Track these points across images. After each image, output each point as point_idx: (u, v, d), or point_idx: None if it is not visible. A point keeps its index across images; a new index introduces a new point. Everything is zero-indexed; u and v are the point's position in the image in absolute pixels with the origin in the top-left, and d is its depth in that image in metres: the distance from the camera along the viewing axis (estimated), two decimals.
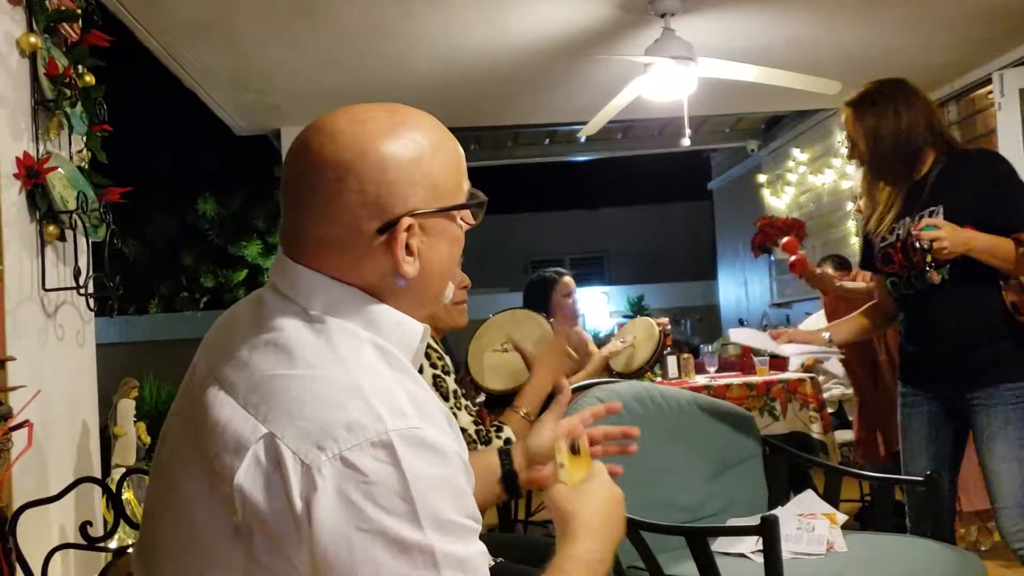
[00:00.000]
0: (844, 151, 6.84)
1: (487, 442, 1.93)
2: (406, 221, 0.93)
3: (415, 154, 0.95)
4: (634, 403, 2.35)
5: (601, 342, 4.01)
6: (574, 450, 1.15)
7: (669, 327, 3.59)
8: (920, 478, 2.20)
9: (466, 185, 1.02)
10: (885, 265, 2.43)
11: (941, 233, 2.14)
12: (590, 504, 1.06)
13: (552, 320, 2.66)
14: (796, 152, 6.88)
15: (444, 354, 2.01)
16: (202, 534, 0.90)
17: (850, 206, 6.16)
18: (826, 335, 2.56)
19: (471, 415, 1.96)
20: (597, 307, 11.01)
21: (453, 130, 1.05)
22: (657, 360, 3.75)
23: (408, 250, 0.94)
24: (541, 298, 3.80)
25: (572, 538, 1.02)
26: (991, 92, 4.71)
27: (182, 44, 4.10)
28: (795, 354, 2.50)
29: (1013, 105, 4.45)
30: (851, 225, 6.17)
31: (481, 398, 2.60)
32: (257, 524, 0.86)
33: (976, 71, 5.24)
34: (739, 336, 2.81)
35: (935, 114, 2.40)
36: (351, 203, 0.92)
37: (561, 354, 2.21)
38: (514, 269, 13.72)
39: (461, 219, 1.02)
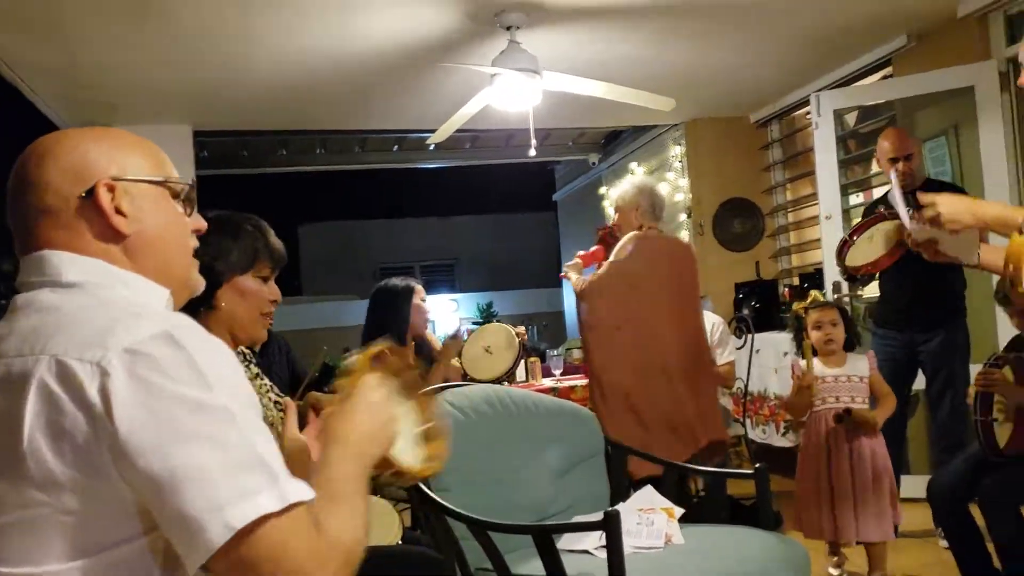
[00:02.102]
0: (678, 165, 7.10)
1: None
2: (105, 183, 1.06)
3: (108, 138, 1.11)
4: (484, 405, 2.40)
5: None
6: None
7: (526, 337, 3.66)
8: (750, 471, 2.34)
9: (175, 174, 1.15)
10: None
11: (945, 211, 2.04)
12: (346, 417, 1.15)
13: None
14: (634, 166, 7.16)
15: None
16: None
17: (683, 217, 6.48)
18: (975, 254, 2.34)
19: None
20: (447, 314, 11.05)
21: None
22: (515, 369, 3.82)
23: (119, 212, 1.06)
24: (395, 306, 3.75)
25: (325, 451, 1.12)
26: (809, 112, 5.07)
27: (2, 36, 3.82)
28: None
29: (828, 125, 4.80)
30: (684, 235, 6.48)
31: None
32: (54, 455, 0.88)
33: (797, 92, 5.64)
34: (894, 198, 2.75)
35: None
36: (55, 179, 1.05)
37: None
38: (363, 276, 13.59)
39: (182, 207, 1.15)
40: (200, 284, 1.19)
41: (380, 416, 1.18)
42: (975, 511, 2.71)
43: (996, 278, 2.74)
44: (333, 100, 5.20)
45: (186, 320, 0.96)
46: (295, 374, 4.03)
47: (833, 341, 3.14)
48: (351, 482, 1.06)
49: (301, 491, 0.92)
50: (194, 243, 1.17)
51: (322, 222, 14.12)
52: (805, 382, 3.09)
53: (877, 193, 4.57)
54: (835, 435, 3.10)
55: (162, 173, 1.13)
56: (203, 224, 1.19)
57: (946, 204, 2.07)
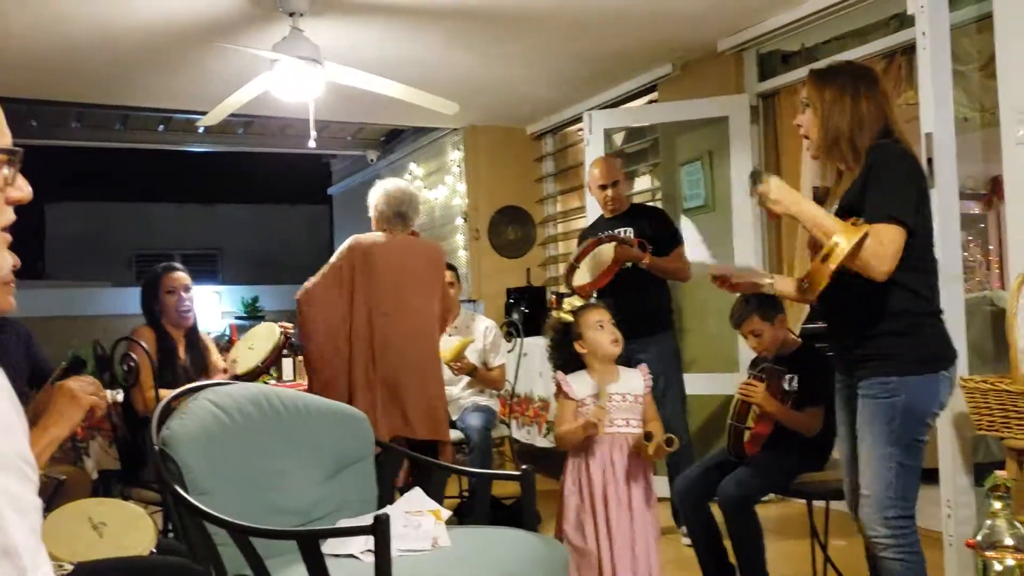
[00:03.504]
0: (456, 170, 7.26)
1: None
2: None
3: None
4: (249, 406, 2.29)
5: (222, 347, 3.89)
6: None
7: (292, 331, 3.54)
8: (517, 472, 2.40)
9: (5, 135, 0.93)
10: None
11: (773, 191, 2.16)
12: None
13: None
14: (413, 166, 7.18)
15: None
16: None
17: (460, 220, 6.58)
18: (770, 281, 2.43)
19: None
20: (210, 307, 10.47)
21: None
22: (274, 362, 3.69)
23: None
24: (146, 296, 3.60)
25: None
26: (581, 129, 5.32)
27: None
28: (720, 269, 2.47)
29: (598, 143, 5.05)
30: (460, 239, 6.58)
31: None
32: None
33: (571, 108, 5.90)
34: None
35: (893, 113, 2.25)
36: None
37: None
38: (119, 263, 12.66)
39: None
40: (4, 267, 0.95)
41: None
42: (716, 511, 2.95)
43: (734, 299, 3.06)
44: (94, 71, 4.78)
45: None
46: (36, 365, 3.66)
47: (619, 341, 2.66)
48: None
49: None
50: (9, 217, 0.94)
51: (74, 202, 12.92)
52: (596, 417, 2.50)
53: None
54: (612, 473, 2.55)
55: None
56: (26, 193, 0.95)
57: (776, 186, 2.19)
